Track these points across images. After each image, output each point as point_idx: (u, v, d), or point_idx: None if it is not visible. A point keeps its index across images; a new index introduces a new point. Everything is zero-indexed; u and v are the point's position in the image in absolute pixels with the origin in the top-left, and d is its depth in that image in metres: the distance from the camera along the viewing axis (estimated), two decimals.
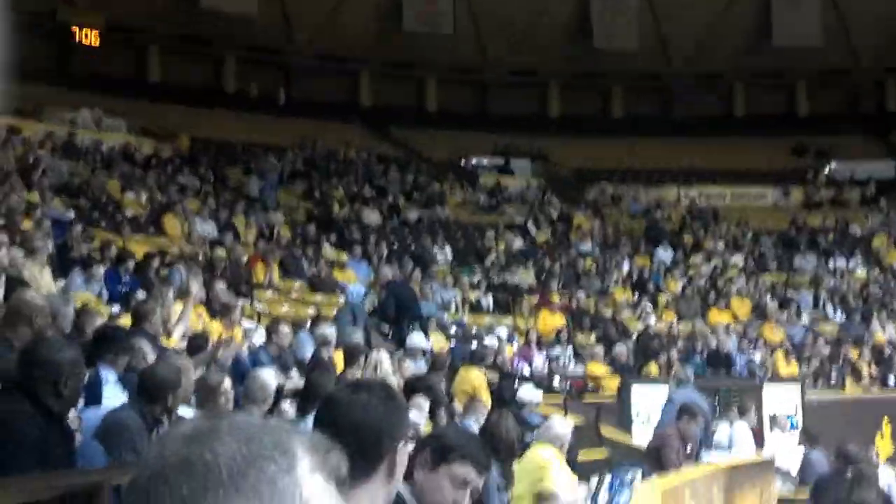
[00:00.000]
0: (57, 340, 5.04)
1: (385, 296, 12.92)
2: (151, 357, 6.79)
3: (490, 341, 13.91)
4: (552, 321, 16.76)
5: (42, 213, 14.12)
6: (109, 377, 6.29)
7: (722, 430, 12.69)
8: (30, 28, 29.12)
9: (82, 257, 12.89)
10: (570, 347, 15.88)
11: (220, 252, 14.69)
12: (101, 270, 12.41)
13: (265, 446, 1.11)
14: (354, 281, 16.38)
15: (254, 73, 34.05)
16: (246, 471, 1.08)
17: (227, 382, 6.37)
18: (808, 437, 12.27)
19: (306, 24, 34.05)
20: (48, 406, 4.09)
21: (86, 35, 30.26)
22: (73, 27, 30.22)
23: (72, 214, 15.39)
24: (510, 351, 14.62)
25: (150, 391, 5.35)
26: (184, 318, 8.82)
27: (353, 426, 2.21)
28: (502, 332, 14.99)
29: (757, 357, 17.32)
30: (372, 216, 21.96)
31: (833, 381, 17.37)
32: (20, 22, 28.67)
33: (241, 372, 8.36)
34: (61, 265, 12.21)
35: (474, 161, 30.84)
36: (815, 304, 21.23)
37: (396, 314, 12.72)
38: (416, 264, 17.53)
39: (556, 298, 17.72)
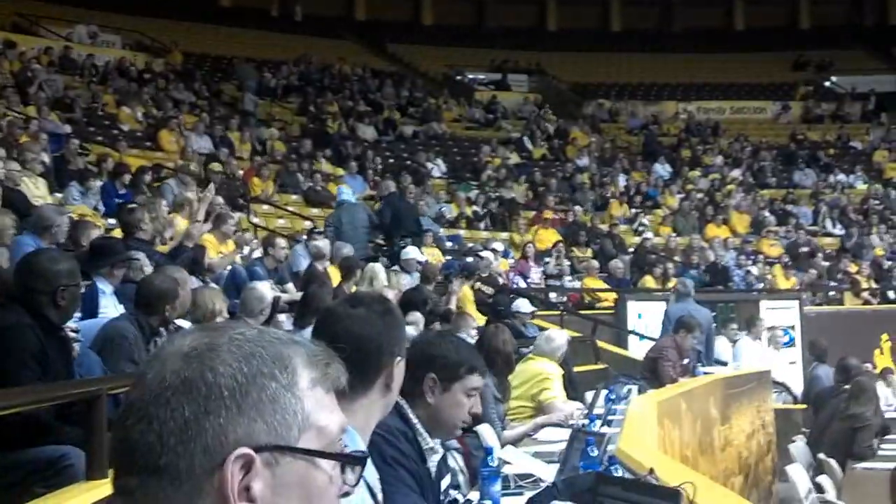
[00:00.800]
0: (54, 251, 5.07)
1: (382, 207, 12.80)
2: (148, 268, 6.73)
3: (485, 255, 13.82)
4: (547, 236, 16.69)
5: (38, 127, 14.17)
6: (106, 289, 6.27)
7: (720, 345, 12.72)
8: None
9: (79, 171, 12.93)
10: (566, 262, 15.82)
11: (216, 166, 14.63)
12: (97, 184, 12.50)
13: (265, 362, 1.10)
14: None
15: None
16: (247, 389, 1.08)
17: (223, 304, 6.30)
18: (816, 352, 12.23)
19: None
20: (47, 316, 4.10)
21: None
22: None
23: (68, 128, 15.40)
24: (505, 265, 14.54)
25: (148, 302, 5.36)
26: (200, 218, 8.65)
27: (352, 340, 2.20)
28: (498, 246, 14.90)
29: (755, 271, 17.27)
30: (367, 131, 21.81)
31: (832, 295, 17.36)
32: None
33: (237, 284, 8.35)
34: (58, 178, 12.25)
35: (470, 76, 30.45)
36: (815, 219, 21.13)
37: (392, 227, 12.64)
38: (412, 179, 17.36)
39: (550, 214, 17.60)
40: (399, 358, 2.28)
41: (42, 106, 15.69)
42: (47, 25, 24.24)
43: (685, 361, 10.12)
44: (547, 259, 15.81)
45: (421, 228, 13.74)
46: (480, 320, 9.78)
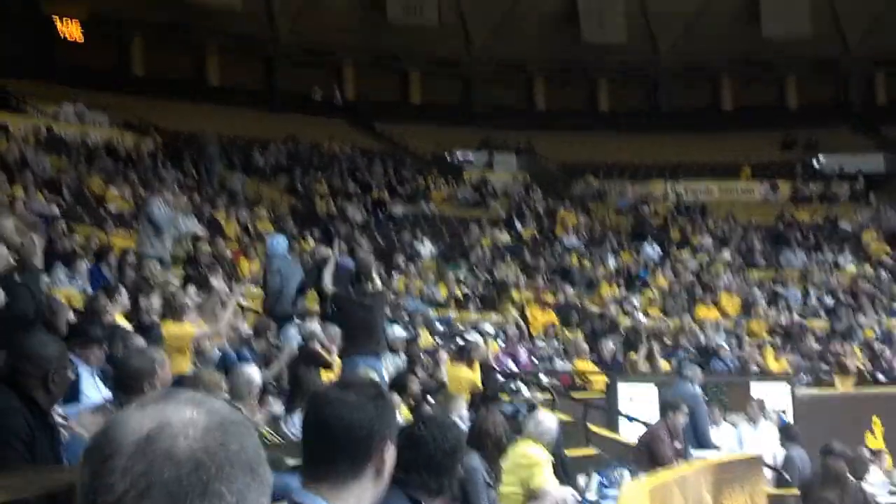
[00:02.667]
0: (44, 335, 5.02)
1: (311, 268, 12.38)
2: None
3: (474, 337, 13.68)
4: (542, 317, 16.58)
5: (25, 208, 14.04)
6: (84, 371, 6.19)
7: (721, 429, 12.59)
8: (12, 20, 29.14)
9: (65, 252, 12.83)
10: (557, 343, 15.70)
11: (205, 247, 14.53)
12: (84, 265, 12.44)
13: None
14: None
15: (237, 66, 33.81)
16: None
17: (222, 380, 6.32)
18: (788, 436, 12.10)
19: (289, 15, 33.80)
20: (36, 400, 4.06)
21: (68, 27, 30.19)
22: (56, 19, 30.09)
23: (55, 209, 15.36)
24: (496, 347, 14.39)
25: (126, 382, 5.25)
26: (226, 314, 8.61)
27: (343, 425, 2.18)
28: (488, 327, 14.75)
29: (746, 353, 17.15)
30: (356, 211, 21.80)
31: (823, 377, 17.22)
32: (3, 15, 28.76)
33: (227, 367, 8.25)
34: (45, 260, 11.99)
35: (459, 155, 30.59)
36: (804, 300, 21.10)
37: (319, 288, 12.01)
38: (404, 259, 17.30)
39: (549, 297, 17.53)
40: (390, 443, 2.24)
41: (29, 186, 15.63)
42: (34, 104, 24.26)
43: (677, 445, 9.96)
44: (541, 343, 15.69)
45: (356, 287, 13.43)
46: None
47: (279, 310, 11.65)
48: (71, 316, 7.96)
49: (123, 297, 8.73)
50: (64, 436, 4.48)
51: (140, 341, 6.90)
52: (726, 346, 16.72)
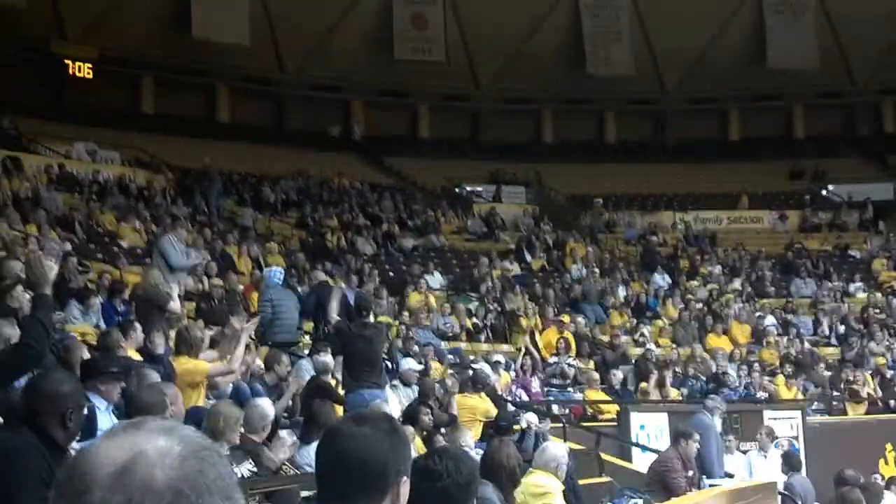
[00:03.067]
0: (61, 373, 5.00)
1: (307, 294, 13.13)
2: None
3: (485, 368, 13.74)
4: (549, 336, 16.65)
5: (39, 246, 14.10)
6: (101, 405, 6.24)
7: (733, 457, 12.59)
8: (24, 62, 29.66)
9: (79, 289, 12.93)
10: (568, 362, 15.76)
11: (217, 281, 14.64)
12: (97, 301, 12.51)
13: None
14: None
15: (246, 104, 34.07)
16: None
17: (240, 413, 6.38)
18: (789, 464, 12.06)
19: (297, 53, 34.07)
20: (54, 439, 4.07)
21: (79, 68, 30.54)
22: (67, 60, 30.45)
23: (68, 246, 15.41)
24: (507, 378, 14.44)
25: (137, 416, 5.23)
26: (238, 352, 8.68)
27: (357, 459, 2.17)
28: (499, 359, 14.81)
29: (757, 382, 17.14)
30: (366, 245, 21.90)
31: (835, 405, 17.19)
32: (14, 56, 29.17)
33: (241, 401, 8.26)
34: (58, 297, 12.13)
35: (468, 188, 30.73)
36: (815, 329, 21.08)
37: (317, 313, 12.73)
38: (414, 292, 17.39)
39: (566, 319, 17.60)
40: (405, 477, 2.23)
41: (42, 224, 15.79)
42: (46, 143, 24.51)
43: (690, 473, 9.98)
44: (552, 360, 15.77)
45: (350, 314, 13.66)
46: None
47: (270, 338, 12.11)
48: (85, 352, 7.97)
49: (138, 333, 8.80)
50: None
51: (154, 376, 6.90)
52: (734, 375, 16.72)
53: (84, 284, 13.33)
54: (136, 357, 8.46)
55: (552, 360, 15.89)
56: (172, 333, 9.23)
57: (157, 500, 1.06)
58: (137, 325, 8.91)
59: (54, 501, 1.11)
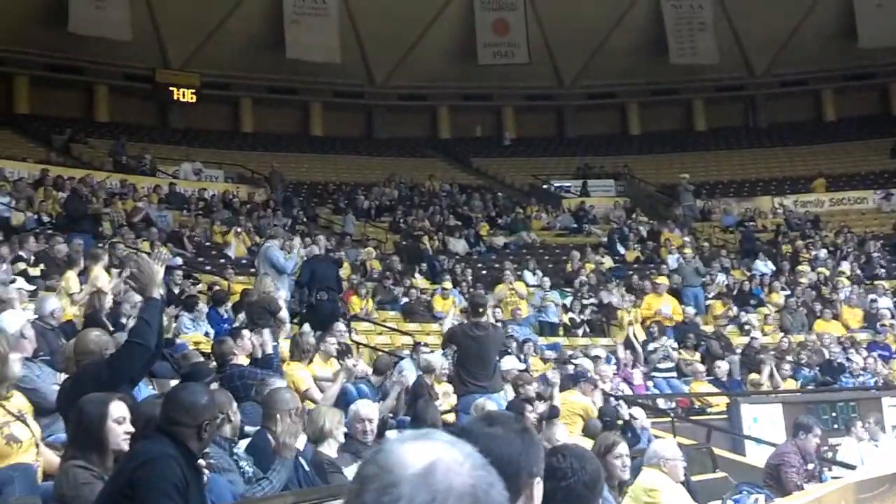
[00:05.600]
0: (198, 385, 5.24)
1: (302, 267, 13.96)
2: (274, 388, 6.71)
3: (585, 363, 13.30)
4: (657, 304, 16.12)
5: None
6: None
7: (847, 446, 11.87)
8: (133, 91, 32.43)
9: (189, 299, 13.37)
10: (673, 346, 15.23)
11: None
12: (204, 310, 13.06)
13: None
14: (448, 307, 16.12)
15: (338, 117, 34.80)
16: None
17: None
18: None
19: (385, 65, 34.77)
20: (190, 449, 4.29)
21: (183, 93, 33.02)
22: (171, 87, 32.93)
23: (179, 260, 16.06)
24: (609, 372, 13.93)
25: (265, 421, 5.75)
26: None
27: (492, 461, 1.98)
28: (599, 352, 14.32)
29: (872, 367, 16.29)
30: (458, 245, 21.84)
31: None
32: (124, 85, 32.18)
33: (347, 403, 8.31)
34: (169, 306, 12.49)
35: (556, 184, 30.40)
36: None
37: (310, 283, 13.51)
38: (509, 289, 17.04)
39: (663, 280, 17.08)
40: (538, 479, 2.18)
41: (154, 241, 16.28)
42: (155, 165, 25.96)
43: (810, 466, 9.37)
44: (652, 346, 15.28)
45: (340, 285, 14.59)
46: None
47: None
48: (199, 359, 8.53)
49: (245, 340, 8.87)
50: (206, 478, 4.67)
51: (279, 382, 7.00)
52: (856, 361, 15.91)
53: (194, 295, 13.72)
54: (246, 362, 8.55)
55: (652, 345, 15.33)
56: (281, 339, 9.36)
57: (458, 500, 1.23)
58: (245, 332, 9.02)
59: (361, 491, 1.25)
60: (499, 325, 12.05)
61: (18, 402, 5.13)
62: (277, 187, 25.23)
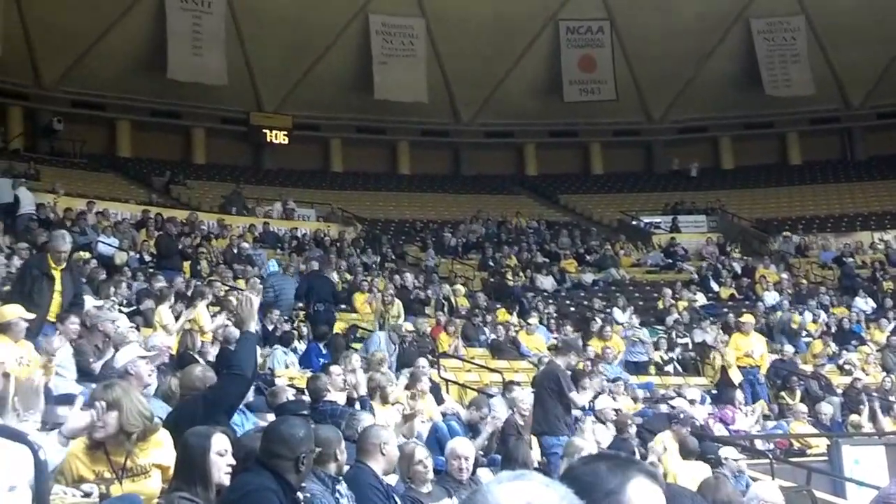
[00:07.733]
0: (297, 419, 5.34)
1: (300, 281, 15.11)
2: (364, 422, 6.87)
3: (676, 403, 13.00)
4: (746, 345, 15.68)
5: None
6: None
7: None
8: (228, 133, 33.54)
9: (283, 334, 13.67)
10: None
11: (407, 325, 14.70)
12: (300, 346, 13.46)
13: None
14: (537, 346, 16.00)
15: (425, 155, 35.09)
16: None
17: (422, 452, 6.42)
18: None
19: (471, 104, 35.00)
20: (288, 481, 4.37)
21: (276, 135, 34.00)
22: (265, 129, 33.92)
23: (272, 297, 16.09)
24: (703, 412, 13.62)
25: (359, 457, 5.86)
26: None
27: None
28: (693, 393, 14.00)
29: None
30: (545, 281, 21.66)
31: None
32: (220, 129, 33.27)
33: (439, 440, 8.48)
34: (264, 342, 13.04)
35: (645, 220, 30.02)
36: None
37: (308, 296, 14.70)
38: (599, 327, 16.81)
39: (749, 318, 16.59)
40: None
41: (250, 279, 16.41)
42: (249, 204, 26.53)
43: None
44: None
45: (336, 298, 15.67)
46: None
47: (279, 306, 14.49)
48: (290, 395, 8.58)
49: (333, 377, 9.02)
50: None
51: (368, 419, 7.14)
52: None
53: (288, 330, 13.95)
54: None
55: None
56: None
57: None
58: (334, 369, 9.26)
59: None
60: (548, 359, 11.87)
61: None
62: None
